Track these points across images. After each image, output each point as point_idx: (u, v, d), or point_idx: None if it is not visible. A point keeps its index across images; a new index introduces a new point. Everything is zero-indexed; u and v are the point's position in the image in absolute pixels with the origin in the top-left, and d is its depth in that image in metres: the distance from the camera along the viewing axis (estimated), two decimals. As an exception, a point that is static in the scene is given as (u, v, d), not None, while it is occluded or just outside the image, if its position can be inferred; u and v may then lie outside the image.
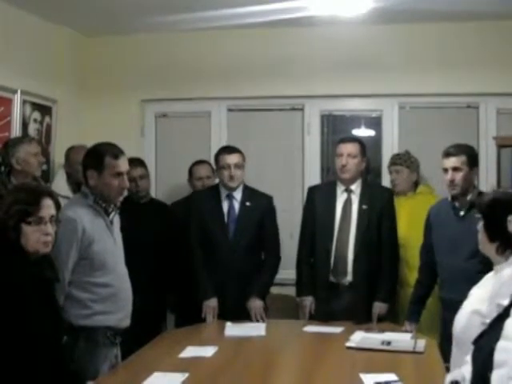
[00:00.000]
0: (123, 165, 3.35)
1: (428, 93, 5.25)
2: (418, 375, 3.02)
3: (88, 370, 3.11)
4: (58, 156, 5.06)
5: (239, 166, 4.32)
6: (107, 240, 3.31)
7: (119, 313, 3.32)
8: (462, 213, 3.77)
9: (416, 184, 4.89)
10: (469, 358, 2.06)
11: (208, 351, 3.38)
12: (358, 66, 5.24)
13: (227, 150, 4.41)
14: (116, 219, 3.44)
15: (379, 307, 4.15)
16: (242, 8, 4.61)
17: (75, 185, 4.55)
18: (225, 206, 4.34)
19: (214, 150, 5.40)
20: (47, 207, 2.66)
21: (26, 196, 2.65)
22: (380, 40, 5.21)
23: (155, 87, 5.56)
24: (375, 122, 5.53)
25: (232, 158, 4.31)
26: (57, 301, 2.83)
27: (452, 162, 3.77)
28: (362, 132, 5.59)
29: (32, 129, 4.90)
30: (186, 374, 2.96)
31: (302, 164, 5.52)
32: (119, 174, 3.31)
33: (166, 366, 3.11)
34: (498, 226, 2.48)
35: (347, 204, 4.26)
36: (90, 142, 3.61)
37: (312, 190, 4.46)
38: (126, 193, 3.44)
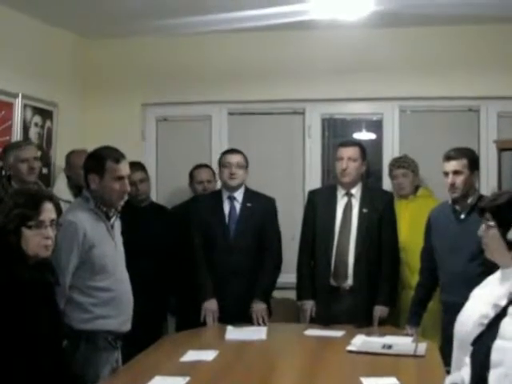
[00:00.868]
0: (124, 169, 3.36)
1: (429, 96, 5.25)
2: (419, 379, 3.02)
3: (89, 373, 3.12)
4: (59, 160, 5.06)
5: (240, 166, 4.34)
6: (108, 244, 3.32)
7: (120, 317, 3.32)
8: (462, 216, 3.77)
9: (416, 187, 4.90)
10: (468, 360, 2.06)
11: (209, 355, 3.37)
12: (359, 69, 5.24)
13: (230, 150, 4.46)
14: (117, 223, 3.44)
15: (380, 310, 4.14)
16: (242, 12, 4.61)
17: (76, 188, 4.55)
18: (226, 207, 4.35)
19: (215, 153, 5.43)
20: (47, 211, 2.66)
21: (26, 200, 2.65)
22: (381, 43, 5.21)
23: (156, 91, 5.57)
24: (376, 126, 5.53)
25: (233, 157, 4.34)
26: (57, 304, 2.82)
27: (453, 165, 3.77)
28: (363, 135, 5.59)
29: (33, 133, 4.90)
30: (187, 378, 2.95)
31: (302, 167, 5.52)
32: (120, 178, 3.32)
33: (167, 370, 3.11)
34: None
35: (348, 208, 4.26)
36: (90, 146, 3.62)
37: (312, 194, 4.46)
38: (126, 197, 3.44)
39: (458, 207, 3.82)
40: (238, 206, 4.35)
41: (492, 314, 2.24)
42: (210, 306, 4.18)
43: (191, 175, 5.12)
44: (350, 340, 3.63)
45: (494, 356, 1.83)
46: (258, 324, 4.14)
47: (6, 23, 4.59)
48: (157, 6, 4.65)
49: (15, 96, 4.66)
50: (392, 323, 4.21)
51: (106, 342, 3.25)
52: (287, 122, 5.61)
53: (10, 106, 4.63)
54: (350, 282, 4.18)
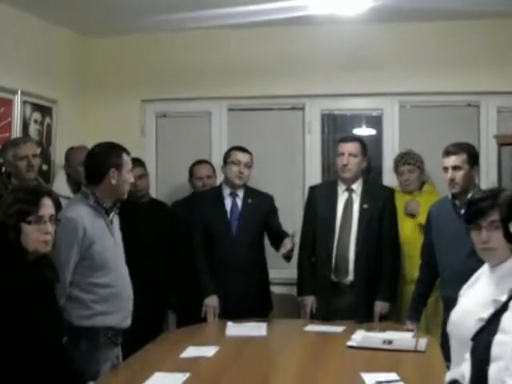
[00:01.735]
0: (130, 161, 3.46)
1: (429, 91, 5.24)
2: (420, 374, 3.02)
3: (89, 370, 3.11)
4: (59, 156, 5.06)
5: (248, 166, 4.37)
6: (107, 240, 3.32)
7: (120, 313, 3.33)
8: (462, 211, 3.76)
9: (422, 183, 4.89)
10: (468, 356, 2.06)
11: (209, 351, 3.37)
12: (359, 64, 5.23)
13: (240, 148, 4.45)
14: (115, 219, 3.45)
15: (381, 306, 4.15)
16: (242, 7, 4.61)
17: (75, 185, 4.55)
18: (228, 203, 4.37)
19: (215, 149, 5.43)
20: (47, 206, 2.67)
21: (25, 196, 2.66)
22: (380, 39, 5.21)
23: (155, 87, 5.56)
24: (376, 121, 5.52)
25: (244, 156, 4.36)
26: (57, 301, 2.82)
27: (452, 160, 3.77)
28: (363, 131, 5.58)
29: (32, 129, 4.90)
30: (188, 374, 2.95)
31: (302, 163, 5.51)
32: (131, 170, 3.42)
33: (167, 366, 3.11)
34: None
35: (348, 203, 4.26)
36: (90, 143, 3.62)
37: (313, 190, 4.46)
38: None
39: (457, 202, 3.82)
40: (239, 202, 4.38)
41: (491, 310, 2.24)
42: (211, 302, 4.19)
43: (191, 171, 5.12)
44: (350, 335, 3.64)
45: (495, 350, 1.83)
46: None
47: (6, 20, 4.59)
48: (156, 3, 4.65)
49: (14, 93, 4.66)
50: (394, 318, 4.22)
51: (107, 338, 3.26)
52: (287, 118, 5.61)
53: (9, 103, 4.63)
54: (350, 277, 4.18)
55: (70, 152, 4.83)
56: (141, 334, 3.69)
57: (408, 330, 3.81)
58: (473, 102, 5.28)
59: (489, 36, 5.06)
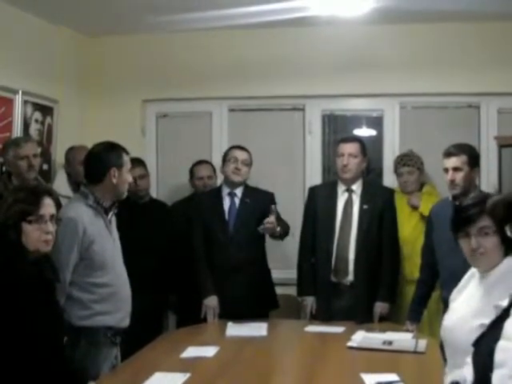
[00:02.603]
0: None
1: (429, 92, 5.24)
2: (420, 375, 3.02)
3: (89, 370, 3.12)
4: (59, 156, 5.06)
5: (246, 164, 4.37)
6: (107, 240, 3.33)
7: (119, 312, 3.33)
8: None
9: (422, 184, 4.89)
10: (469, 360, 2.06)
11: (209, 351, 3.38)
12: (359, 65, 5.23)
13: (238, 147, 4.47)
14: (113, 219, 3.45)
15: (381, 307, 4.15)
16: (242, 8, 4.61)
17: (75, 185, 4.55)
18: (226, 203, 4.37)
19: (215, 150, 5.43)
20: (47, 206, 2.68)
21: (25, 195, 2.67)
22: (381, 40, 5.21)
23: (156, 87, 5.56)
24: (376, 122, 5.53)
25: (241, 154, 4.37)
26: (57, 301, 2.83)
27: (453, 161, 3.78)
28: (363, 132, 5.58)
29: (33, 129, 4.90)
30: (188, 375, 2.96)
31: (303, 164, 5.51)
32: (129, 170, 3.44)
33: (167, 367, 3.11)
34: (502, 229, 2.26)
35: (348, 204, 4.27)
36: (91, 143, 3.62)
37: (313, 190, 4.47)
38: None
39: (458, 204, 3.81)
40: (237, 201, 4.37)
41: (490, 317, 2.24)
42: (211, 302, 4.19)
43: (191, 171, 5.12)
44: (350, 336, 3.64)
45: (497, 357, 1.82)
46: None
47: (7, 20, 4.59)
48: (157, 3, 4.65)
49: (15, 92, 4.66)
50: (394, 319, 4.22)
51: (106, 337, 3.27)
52: (287, 119, 5.61)
53: (10, 103, 4.63)
54: (350, 278, 4.19)
55: (71, 152, 4.84)
56: (141, 334, 3.70)
57: (408, 331, 3.81)
58: (473, 103, 5.29)
59: (489, 37, 5.07)
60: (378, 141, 5.48)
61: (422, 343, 3.47)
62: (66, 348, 2.76)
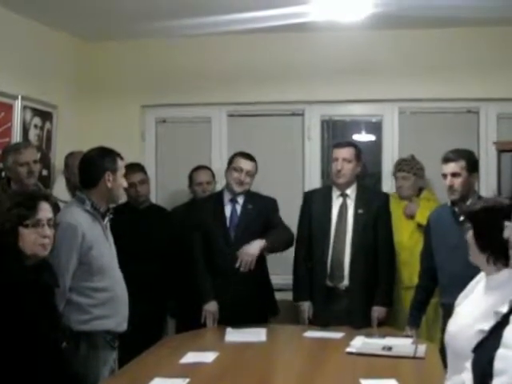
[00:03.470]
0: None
1: (428, 98, 5.25)
2: (419, 381, 3.02)
3: (89, 374, 3.13)
4: (59, 161, 5.06)
5: (250, 175, 4.35)
6: (104, 245, 3.35)
7: (117, 316, 3.35)
8: (461, 218, 3.74)
9: (420, 189, 4.88)
10: (468, 365, 2.05)
11: (208, 357, 3.37)
12: (358, 71, 5.24)
13: (245, 155, 4.39)
14: (108, 223, 3.46)
15: (378, 311, 4.16)
16: (242, 14, 4.61)
17: (75, 190, 4.54)
18: (227, 209, 4.36)
19: (215, 155, 5.43)
20: (44, 210, 2.69)
21: (22, 200, 2.68)
22: (380, 45, 5.22)
23: (155, 93, 5.57)
24: (375, 127, 5.53)
25: (247, 164, 4.33)
26: (56, 306, 2.83)
27: (451, 167, 3.77)
28: (363, 137, 5.59)
29: (32, 134, 4.90)
30: (187, 380, 2.96)
31: (302, 169, 5.52)
32: (125, 175, 3.45)
33: (166, 372, 3.11)
34: (488, 235, 2.45)
35: (343, 208, 4.27)
36: (90, 148, 3.62)
37: (308, 195, 4.48)
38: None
39: (457, 209, 3.82)
40: (239, 208, 4.36)
41: (490, 325, 2.25)
42: (211, 307, 4.18)
43: (190, 177, 5.12)
44: (349, 341, 3.64)
45: (497, 365, 1.81)
46: (240, 266, 4.11)
47: (6, 25, 4.59)
48: (156, 8, 4.66)
49: (15, 98, 4.66)
50: (394, 325, 4.22)
51: (105, 341, 3.27)
52: (287, 124, 5.61)
53: (9, 108, 4.63)
54: (346, 282, 4.19)
55: (70, 157, 4.83)
56: (140, 340, 3.70)
57: (407, 336, 3.81)
58: (472, 109, 5.29)
59: (488, 43, 5.08)
60: (377, 146, 5.49)
61: (422, 348, 3.47)
62: (66, 352, 2.76)
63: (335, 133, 5.59)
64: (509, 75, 5.05)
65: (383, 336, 3.77)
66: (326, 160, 5.47)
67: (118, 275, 3.42)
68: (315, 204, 4.34)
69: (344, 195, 4.29)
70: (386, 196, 4.48)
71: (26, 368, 2.45)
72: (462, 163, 3.77)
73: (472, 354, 2.02)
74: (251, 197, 4.41)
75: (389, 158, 5.31)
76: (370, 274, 4.17)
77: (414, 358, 3.35)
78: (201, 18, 4.71)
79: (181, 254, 4.52)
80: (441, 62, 5.15)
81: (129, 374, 3.19)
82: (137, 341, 3.60)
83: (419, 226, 4.48)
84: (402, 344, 3.60)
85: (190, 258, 4.32)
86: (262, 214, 4.34)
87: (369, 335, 3.79)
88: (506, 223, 2.12)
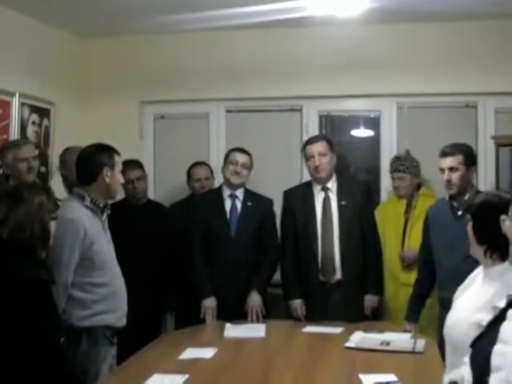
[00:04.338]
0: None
1: (426, 92, 5.25)
2: (418, 375, 3.02)
3: (90, 370, 3.13)
4: (56, 158, 5.04)
5: (246, 167, 4.37)
6: (103, 240, 3.35)
7: (117, 312, 3.35)
8: (459, 212, 3.76)
9: (418, 186, 4.87)
10: (467, 359, 2.06)
11: (208, 352, 3.37)
12: (356, 66, 5.24)
13: (239, 149, 4.46)
14: (106, 219, 3.47)
15: (371, 300, 4.18)
16: (239, 8, 4.61)
17: (71, 187, 4.52)
18: (227, 204, 4.38)
19: (213, 151, 5.43)
20: None
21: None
22: (378, 40, 5.22)
23: (154, 89, 5.57)
24: (374, 122, 5.53)
25: (241, 157, 4.37)
26: (54, 302, 2.83)
27: (448, 161, 3.77)
28: (361, 132, 5.60)
29: (30, 131, 4.89)
30: (186, 376, 2.96)
31: (300, 164, 5.50)
32: (121, 171, 3.46)
33: (165, 368, 3.11)
34: (486, 228, 2.48)
35: (326, 202, 4.27)
36: (88, 144, 3.62)
37: (288, 194, 4.44)
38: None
39: (455, 204, 3.81)
40: (239, 204, 4.39)
41: (486, 316, 2.25)
42: (209, 303, 4.19)
43: (189, 173, 5.12)
44: (348, 337, 3.64)
45: (494, 360, 1.82)
46: (252, 320, 4.14)
47: (3, 22, 4.59)
48: (154, 4, 4.65)
49: (12, 95, 4.66)
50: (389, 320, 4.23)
51: (105, 337, 3.28)
52: (285, 119, 5.61)
53: (7, 105, 4.63)
54: (338, 275, 4.18)
55: (66, 153, 4.79)
56: (139, 336, 3.71)
57: (406, 331, 3.81)
58: (470, 103, 5.29)
59: (486, 37, 5.07)
60: (375, 141, 5.49)
61: (421, 343, 3.47)
62: (66, 349, 2.76)
63: (333, 128, 5.59)
64: (506, 69, 5.05)
65: (382, 331, 3.77)
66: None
67: (117, 270, 3.43)
68: (297, 201, 4.33)
69: (325, 189, 4.28)
70: (367, 185, 4.54)
71: (23, 364, 2.45)
72: (460, 157, 3.76)
73: (470, 349, 2.03)
74: (250, 195, 4.44)
75: (387, 153, 5.31)
76: (360, 265, 4.20)
77: (412, 352, 3.35)
78: (198, 13, 4.72)
79: (179, 250, 4.52)
80: (439, 57, 5.15)
81: (128, 370, 3.19)
82: (136, 337, 3.60)
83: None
84: (400, 339, 3.60)
85: (188, 254, 4.32)
86: (260, 213, 4.39)
87: (368, 330, 3.79)
88: (502, 217, 2.12)
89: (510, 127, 5.10)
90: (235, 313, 4.12)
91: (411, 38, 5.20)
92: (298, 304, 4.24)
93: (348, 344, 3.51)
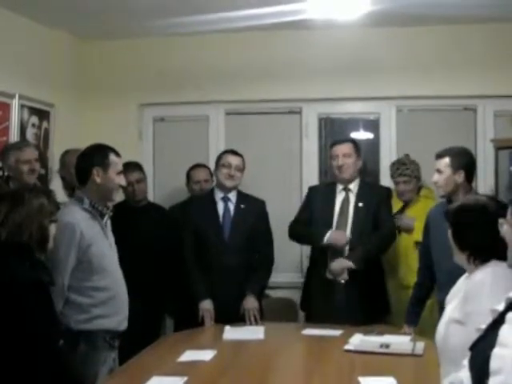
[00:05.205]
0: (121, 164, 3.47)
1: (425, 95, 5.25)
2: (417, 378, 3.02)
3: (88, 373, 3.13)
4: (56, 160, 5.04)
5: (239, 169, 4.36)
6: (103, 243, 3.34)
7: (117, 316, 3.34)
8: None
9: (419, 187, 4.87)
10: (466, 362, 2.06)
11: (207, 355, 3.37)
12: (356, 68, 5.24)
13: (231, 151, 4.45)
14: (108, 222, 3.46)
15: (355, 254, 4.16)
16: (239, 11, 4.61)
17: (71, 189, 4.53)
18: (220, 208, 4.37)
19: (212, 153, 5.43)
20: None
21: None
22: (377, 43, 5.22)
23: (153, 91, 5.57)
24: (373, 125, 5.54)
25: (234, 159, 4.36)
26: (53, 304, 2.83)
27: (436, 164, 3.79)
28: (360, 135, 5.59)
29: (30, 133, 4.89)
30: (185, 378, 2.96)
31: (299, 167, 5.52)
32: (120, 173, 3.43)
33: (164, 370, 3.11)
34: (466, 233, 2.47)
35: (345, 202, 4.30)
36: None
37: (311, 190, 4.51)
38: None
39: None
40: (231, 206, 4.37)
41: (457, 316, 2.27)
42: (206, 306, 4.18)
43: (188, 175, 5.12)
44: (347, 339, 3.63)
45: (493, 364, 1.81)
46: (250, 322, 4.13)
47: (3, 24, 4.59)
48: (153, 7, 4.65)
49: (12, 97, 4.66)
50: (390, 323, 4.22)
51: (105, 341, 3.27)
52: (284, 122, 5.62)
53: (6, 107, 4.63)
54: (345, 275, 4.18)
55: (66, 155, 4.78)
56: (138, 338, 3.70)
57: (405, 334, 3.81)
58: (470, 106, 5.30)
59: (486, 40, 5.08)
60: (374, 144, 5.49)
61: (420, 346, 3.47)
62: (64, 352, 2.76)
63: (333, 131, 5.59)
64: (506, 72, 5.06)
65: (381, 333, 3.77)
66: (324, 158, 5.48)
67: (118, 274, 3.42)
68: (318, 198, 4.37)
69: (347, 189, 4.31)
70: (388, 190, 4.50)
71: (22, 365, 2.45)
72: (446, 160, 3.73)
73: (468, 352, 2.03)
74: (243, 197, 4.43)
75: (386, 155, 5.32)
76: (369, 267, 4.17)
77: (412, 355, 3.35)
78: (198, 16, 4.71)
79: (178, 252, 4.51)
80: (438, 60, 5.16)
81: (127, 373, 3.19)
82: (135, 340, 3.59)
83: (417, 243, 4.44)
84: (400, 341, 3.59)
85: (180, 256, 4.32)
86: (253, 215, 4.38)
87: (367, 333, 3.78)
88: (501, 220, 2.12)
89: (509, 130, 5.11)
90: (231, 316, 4.11)
91: (411, 41, 5.20)
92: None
93: (347, 346, 3.50)
